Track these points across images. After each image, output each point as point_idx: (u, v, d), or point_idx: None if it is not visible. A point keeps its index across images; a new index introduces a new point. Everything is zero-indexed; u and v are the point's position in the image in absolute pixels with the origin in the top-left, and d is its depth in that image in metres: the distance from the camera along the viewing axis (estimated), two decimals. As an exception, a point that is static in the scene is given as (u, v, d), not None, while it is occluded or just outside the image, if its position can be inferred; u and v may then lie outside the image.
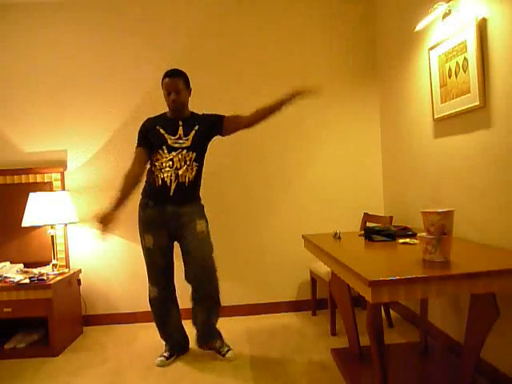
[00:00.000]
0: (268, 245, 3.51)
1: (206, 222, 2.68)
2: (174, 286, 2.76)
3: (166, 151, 2.57)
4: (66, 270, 3.23)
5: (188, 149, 2.59)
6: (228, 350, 2.67)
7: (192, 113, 2.69)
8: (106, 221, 2.39)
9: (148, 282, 2.71)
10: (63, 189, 3.38)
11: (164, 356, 2.67)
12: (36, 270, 3.08)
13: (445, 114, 2.46)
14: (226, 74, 3.44)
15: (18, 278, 2.93)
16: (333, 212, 3.52)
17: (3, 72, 3.41)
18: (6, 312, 2.85)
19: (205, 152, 2.70)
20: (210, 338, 2.72)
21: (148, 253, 2.65)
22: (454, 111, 2.36)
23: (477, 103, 2.15)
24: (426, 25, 2.58)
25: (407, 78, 3.00)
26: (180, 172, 2.56)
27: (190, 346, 2.83)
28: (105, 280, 3.46)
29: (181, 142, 2.59)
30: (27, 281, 2.88)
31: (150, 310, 3.40)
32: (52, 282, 2.89)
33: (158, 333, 2.77)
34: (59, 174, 3.38)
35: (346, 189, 3.54)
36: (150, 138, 2.60)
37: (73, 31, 3.42)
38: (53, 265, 3.12)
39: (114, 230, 3.19)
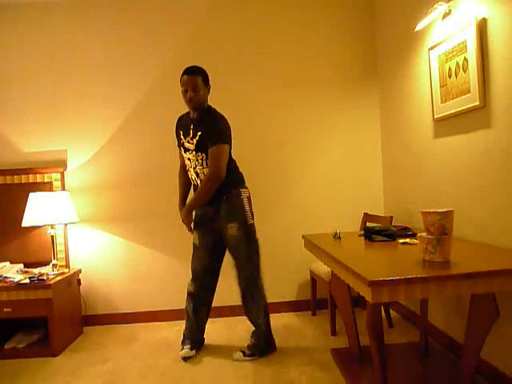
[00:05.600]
0: (268, 245, 3.49)
1: (238, 221, 2.60)
2: (214, 287, 2.78)
3: (183, 151, 2.68)
4: (66, 270, 3.23)
5: (195, 150, 2.60)
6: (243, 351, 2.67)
7: (207, 112, 2.60)
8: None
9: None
10: (63, 189, 3.38)
11: (188, 347, 2.67)
12: (36, 270, 3.08)
13: (445, 114, 2.46)
14: (227, 72, 3.44)
15: (18, 278, 2.94)
16: (333, 212, 3.51)
17: (3, 72, 3.40)
18: (5, 312, 2.86)
19: None
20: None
21: (193, 248, 2.75)
22: (454, 111, 2.36)
23: (477, 103, 2.15)
24: (426, 25, 2.58)
25: (407, 78, 3.00)
26: (198, 170, 2.62)
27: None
28: (105, 280, 3.46)
29: (190, 143, 2.63)
30: (27, 281, 2.88)
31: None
32: (52, 282, 2.90)
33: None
34: (59, 174, 3.38)
35: (346, 189, 3.54)
36: (177, 138, 2.75)
37: (73, 31, 3.41)
38: (53, 265, 3.12)
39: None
